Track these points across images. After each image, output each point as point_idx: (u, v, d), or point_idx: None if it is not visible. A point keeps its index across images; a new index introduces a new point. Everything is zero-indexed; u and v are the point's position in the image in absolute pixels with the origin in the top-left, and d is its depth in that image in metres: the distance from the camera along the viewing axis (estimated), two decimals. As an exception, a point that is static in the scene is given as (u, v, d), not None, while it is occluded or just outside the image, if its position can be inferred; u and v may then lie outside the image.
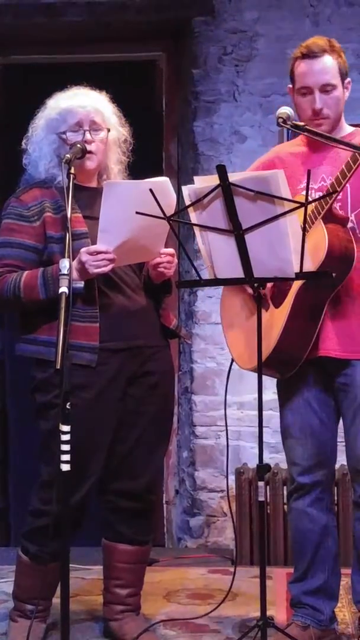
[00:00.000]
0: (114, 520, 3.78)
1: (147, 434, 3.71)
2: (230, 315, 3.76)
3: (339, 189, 3.37)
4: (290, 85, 3.63)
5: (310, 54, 3.53)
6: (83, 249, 3.43)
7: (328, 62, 3.52)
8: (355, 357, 3.53)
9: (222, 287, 3.78)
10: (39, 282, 3.48)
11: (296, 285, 3.43)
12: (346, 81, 3.58)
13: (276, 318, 3.50)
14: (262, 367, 3.34)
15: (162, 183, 3.42)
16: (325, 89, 3.52)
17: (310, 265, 3.28)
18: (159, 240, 3.55)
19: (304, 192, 3.40)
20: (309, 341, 3.49)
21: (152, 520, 3.92)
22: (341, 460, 3.75)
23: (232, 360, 3.73)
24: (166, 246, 3.59)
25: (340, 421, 3.67)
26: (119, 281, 3.61)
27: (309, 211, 3.37)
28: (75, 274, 3.41)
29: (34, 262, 3.57)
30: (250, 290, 3.53)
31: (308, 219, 3.38)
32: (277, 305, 3.53)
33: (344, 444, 3.67)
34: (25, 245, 3.57)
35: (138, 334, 3.63)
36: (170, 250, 3.61)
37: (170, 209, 3.36)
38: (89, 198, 3.62)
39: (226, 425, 3.91)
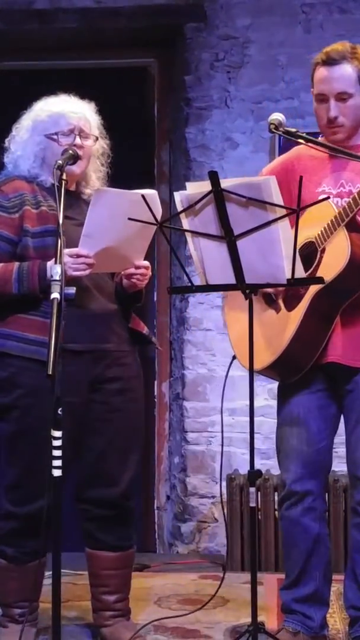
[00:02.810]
0: (93, 529, 3.76)
1: (116, 441, 3.69)
2: (235, 313, 3.68)
3: None
4: (312, 90, 3.60)
5: (329, 61, 3.48)
6: (65, 251, 3.40)
7: (346, 70, 3.47)
8: None
9: (215, 292, 3.76)
10: (13, 276, 3.49)
11: (312, 290, 3.42)
12: None
13: (289, 321, 3.48)
14: (253, 372, 3.32)
15: (151, 195, 3.42)
16: (342, 97, 3.48)
17: (330, 272, 3.31)
18: (139, 251, 3.57)
19: (321, 196, 3.37)
20: (318, 347, 3.47)
21: (132, 525, 3.85)
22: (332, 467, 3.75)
23: (232, 361, 3.71)
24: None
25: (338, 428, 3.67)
26: (89, 284, 3.60)
27: (331, 217, 3.38)
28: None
29: (8, 253, 3.57)
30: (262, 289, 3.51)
31: (329, 225, 3.39)
32: (290, 308, 3.50)
33: (336, 451, 3.68)
34: (1, 236, 3.57)
35: (103, 337, 3.62)
36: (146, 262, 3.62)
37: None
38: (66, 199, 3.61)
39: (222, 430, 3.89)
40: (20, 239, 3.57)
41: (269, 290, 3.51)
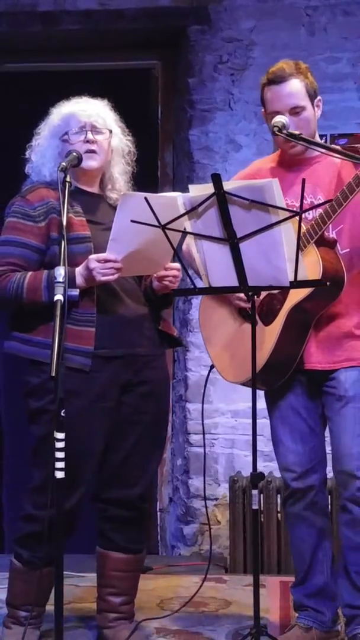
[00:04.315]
0: (107, 529, 3.78)
1: (141, 443, 3.71)
2: (211, 327, 3.80)
3: (339, 210, 3.40)
4: (264, 110, 3.66)
5: (276, 80, 3.57)
6: (92, 256, 3.43)
7: (294, 85, 3.56)
8: (338, 367, 3.61)
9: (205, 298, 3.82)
10: (43, 284, 3.48)
11: (287, 306, 3.50)
12: (316, 100, 3.62)
13: (266, 336, 3.55)
14: (255, 374, 3.36)
15: (175, 199, 3.42)
16: (295, 111, 3.56)
17: (304, 290, 3.39)
18: (167, 254, 3.55)
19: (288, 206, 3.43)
20: (296, 356, 3.58)
21: (146, 528, 3.91)
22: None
23: (210, 370, 3.78)
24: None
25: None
26: (118, 288, 3.61)
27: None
28: (80, 280, 3.45)
29: (36, 262, 3.58)
30: (237, 302, 3.61)
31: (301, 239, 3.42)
32: (267, 323, 3.58)
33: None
34: (29, 245, 3.57)
35: (134, 342, 3.63)
36: (177, 265, 3.63)
37: (180, 225, 3.35)
38: (90, 203, 3.65)
39: (204, 433, 3.93)
40: (48, 247, 3.58)
41: (244, 304, 3.59)
